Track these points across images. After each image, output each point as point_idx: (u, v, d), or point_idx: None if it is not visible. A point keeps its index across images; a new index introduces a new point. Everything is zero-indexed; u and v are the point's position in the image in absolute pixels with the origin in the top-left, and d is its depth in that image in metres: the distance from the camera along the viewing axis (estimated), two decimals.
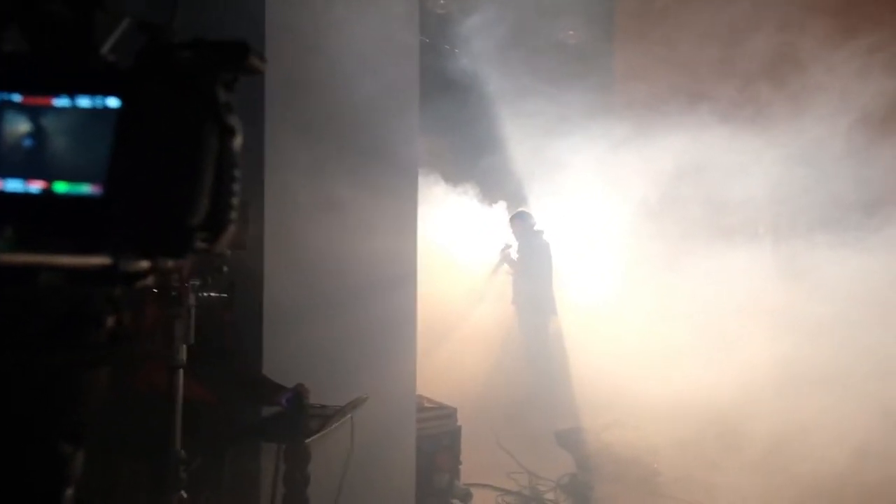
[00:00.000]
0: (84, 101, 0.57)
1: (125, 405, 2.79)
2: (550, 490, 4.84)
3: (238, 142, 0.58)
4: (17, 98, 0.58)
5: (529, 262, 6.84)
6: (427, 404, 4.59)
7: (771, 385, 4.95)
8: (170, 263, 0.63)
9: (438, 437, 4.47)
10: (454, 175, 7.17)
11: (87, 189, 0.56)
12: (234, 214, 0.58)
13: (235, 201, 0.58)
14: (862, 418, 4.47)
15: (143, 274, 0.59)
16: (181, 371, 2.36)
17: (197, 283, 2.32)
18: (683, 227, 5.66)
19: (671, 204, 5.81)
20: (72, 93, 0.57)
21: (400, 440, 4.04)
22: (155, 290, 2.37)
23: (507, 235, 7.09)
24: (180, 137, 0.55)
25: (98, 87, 0.56)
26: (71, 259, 0.54)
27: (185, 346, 2.35)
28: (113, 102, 0.57)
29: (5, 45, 0.59)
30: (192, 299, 2.31)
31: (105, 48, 0.60)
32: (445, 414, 4.58)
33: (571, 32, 8.55)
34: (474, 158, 7.41)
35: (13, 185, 0.56)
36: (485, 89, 7.14)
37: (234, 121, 0.58)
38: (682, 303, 5.61)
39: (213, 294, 2.33)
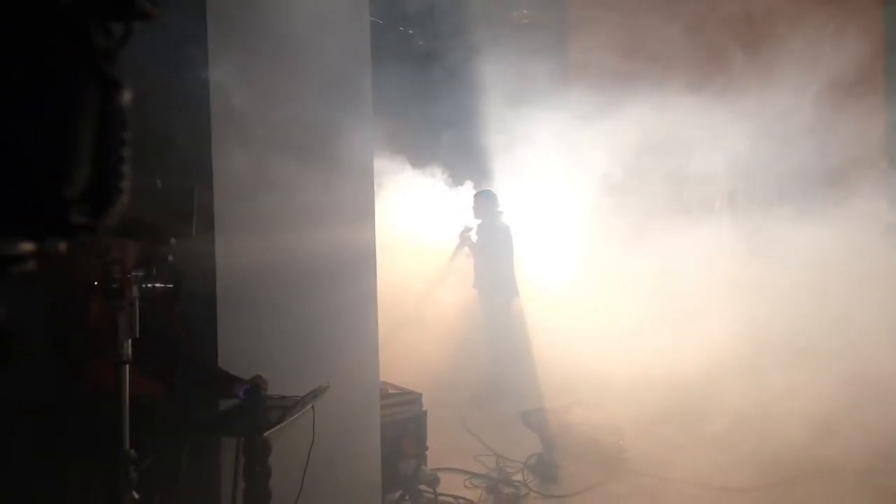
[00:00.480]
0: None
1: (73, 405, 2.66)
2: (518, 471, 4.82)
3: (126, 97, 0.49)
4: None
5: (490, 243, 6.78)
6: (391, 390, 4.52)
7: (735, 359, 4.99)
8: (61, 246, 0.54)
9: (403, 423, 4.41)
10: (416, 157, 7.09)
11: None
12: (124, 184, 0.49)
13: (125, 169, 0.49)
14: (826, 391, 4.53)
15: (19, 258, 0.49)
16: (127, 367, 2.25)
17: (140, 273, 2.21)
18: (645, 202, 5.66)
19: (633, 179, 5.79)
20: None
21: (364, 428, 3.97)
22: (95, 283, 2.24)
23: (469, 216, 7.02)
24: (51, 92, 0.46)
25: None
26: None
27: (130, 341, 2.23)
28: None
29: None
30: (135, 291, 2.19)
31: None
32: (410, 399, 4.52)
33: (525, 11, 8.52)
34: (436, 140, 7.33)
35: None
36: (441, 69, 7.05)
37: (117, 72, 0.48)
38: (645, 279, 5.63)
39: (158, 285, 2.22)
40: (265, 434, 2.90)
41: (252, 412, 2.96)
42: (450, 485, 4.62)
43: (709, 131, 5.28)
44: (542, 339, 6.22)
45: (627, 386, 5.00)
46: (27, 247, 0.52)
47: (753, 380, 4.88)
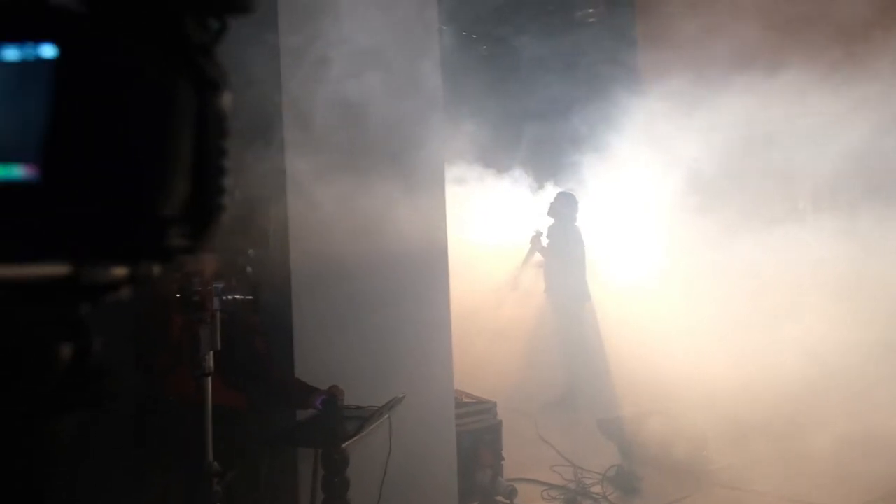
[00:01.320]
0: (9, 53, 0.41)
1: (156, 416, 2.70)
2: (596, 483, 4.66)
3: (227, 100, 0.43)
4: None
5: (562, 246, 6.64)
6: (465, 399, 4.45)
7: (839, 368, 4.63)
8: (155, 270, 0.49)
9: (479, 432, 4.33)
10: (493, 161, 7.04)
11: (17, 172, 0.41)
12: (224, 200, 0.43)
13: (225, 182, 0.43)
14: None
15: (114, 285, 0.44)
16: (209, 379, 2.25)
17: (220, 286, 2.21)
18: (739, 198, 5.32)
19: (724, 174, 5.45)
20: None
21: (440, 438, 3.91)
22: (178, 296, 2.26)
23: (544, 217, 6.87)
24: (142, 95, 0.40)
25: (27, 32, 0.41)
26: (14, 270, 0.39)
27: (212, 353, 2.24)
28: (48, 51, 0.41)
29: None
30: (216, 303, 2.20)
31: None
32: (485, 408, 4.44)
33: (591, 10, 8.36)
34: (515, 143, 7.25)
35: None
36: (511, 73, 6.97)
37: (217, 71, 0.42)
38: (737, 280, 5.29)
39: (237, 297, 2.21)
40: (344, 445, 2.87)
41: (330, 423, 2.94)
42: (526, 496, 4.51)
43: (820, 121, 4.87)
44: (619, 344, 6.02)
45: (713, 393, 4.75)
46: (120, 272, 0.46)
47: (859, 389, 4.53)
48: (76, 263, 0.43)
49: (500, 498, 4.29)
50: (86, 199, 0.39)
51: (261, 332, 3.00)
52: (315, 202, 3.26)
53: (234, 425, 2.74)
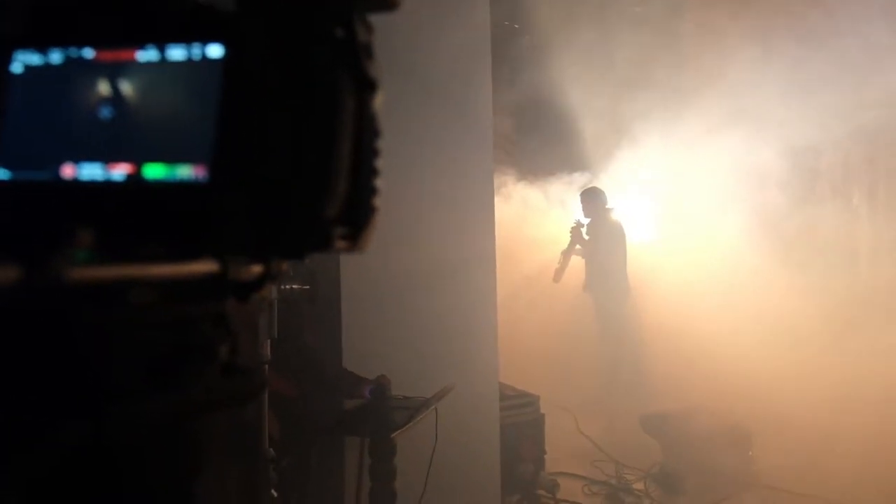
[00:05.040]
0: (177, 52, 0.42)
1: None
2: (638, 479, 4.62)
3: (380, 100, 0.43)
4: (88, 54, 0.43)
5: (600, 243, 6.57)
6: (509, 392, 4.44)
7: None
8: (284, 266, 0.49)
9: (521, 425, 4.32)
10: (530, 156, 7.00)
11: (186, 172, 0.41)
12: (378, 201, 0.43)
13: (379, 183, 0.43)
14: None
15: (258, 282, 0.44)
16: (266, 367, 2.28)
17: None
18: (808, 194, 5.14)
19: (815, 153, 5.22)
20: (160, 41, 0.42)
21: (484, 430, 3.91)
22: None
23: (578, 213, 6.83)
24: (307, 95, 0.40)
25: (194, 32, 0.41)
26: (171, 268, 0.40)
27: (269, 341, 2.26)
28: (215, 51, 0.41)
29: None
30: (273, 292, 2.22)
31: None
32: (528, 402, 4.43)
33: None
34: (547, 135, 7.20)
35: (90, 172, 0.41)
36: (552, 62, 6.90)
37: (375, 71, 0.42)
38: (802, 282, 5.13)
39: (295, 286, 2.23)
40: (393, 435, 2.89)
41: (378, 412, 2.96)
42: (568, 491, 4.49)
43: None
44: (664, 341, 5.94)
45: (759, 391, 4.66)
46: (257, 268, 0.47)
47: None
48: (224, 260, 0.43)
49: (541, 491, 4.28)
50: (253, 199, 0.39)
51: (311, 322, 3.03)
52: None
53: (286, 413, 2.78)
